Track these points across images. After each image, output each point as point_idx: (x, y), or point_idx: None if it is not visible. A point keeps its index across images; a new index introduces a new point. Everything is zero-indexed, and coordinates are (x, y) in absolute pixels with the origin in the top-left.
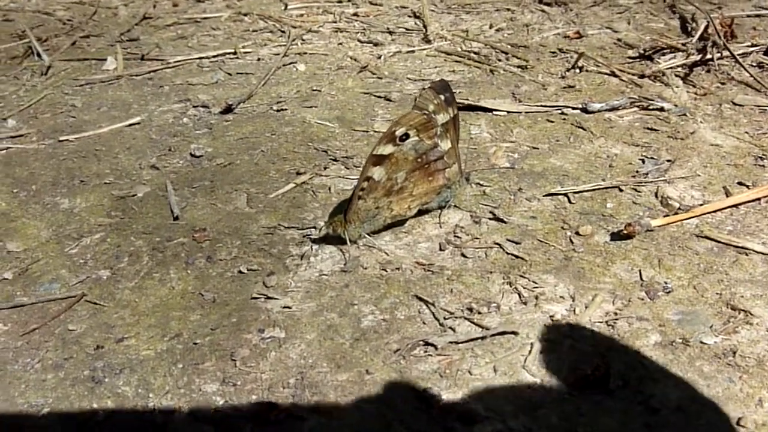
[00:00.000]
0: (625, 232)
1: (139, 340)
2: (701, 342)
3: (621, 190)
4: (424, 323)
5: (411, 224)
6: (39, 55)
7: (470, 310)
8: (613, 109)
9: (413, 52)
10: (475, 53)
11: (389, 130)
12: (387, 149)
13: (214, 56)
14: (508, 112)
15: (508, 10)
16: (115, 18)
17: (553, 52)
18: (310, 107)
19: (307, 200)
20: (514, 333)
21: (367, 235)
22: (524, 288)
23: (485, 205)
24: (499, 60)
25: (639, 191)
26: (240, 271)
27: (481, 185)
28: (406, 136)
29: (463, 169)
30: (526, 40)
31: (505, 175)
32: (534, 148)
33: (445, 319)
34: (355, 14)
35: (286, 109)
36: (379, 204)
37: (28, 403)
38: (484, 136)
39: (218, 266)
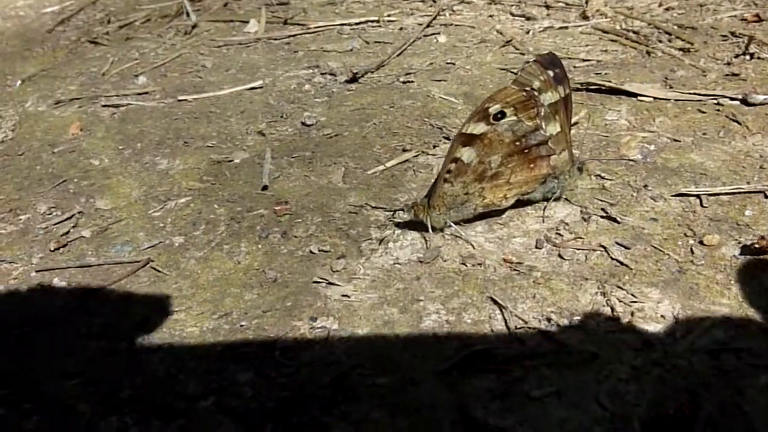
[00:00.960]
0: (757, 246)
1: (188, 315)
2: None
3: (766, 196)
4: (492, 330)
5: (510, 215)
6: (188, 14)
7: (549, 320)
8: None
9: (566, 28)
10: (634, 32)
11: (481, 106)
12: (478, 128)
13: (356, 23)
14: (654, 98)
15: None
16: None
17: (724, 36)
18: (439, 81)
19: (406, 179)
20: (594, 354)
21: (453, 224)
22: (620, 301)
23: (601, 200)
24: (660, 41)
25: None
26: (311, 251)
27: (602, 177)
28: (502, 114)
29: (576, 157)
30: (697, 21)
31: (633, 169)
32: (675, 140)
33: (517, 328)
34: None
35: (412, 81)
36: (469, 190)
37: (61, 371)
38: (620, 123)
39: (291, 243)
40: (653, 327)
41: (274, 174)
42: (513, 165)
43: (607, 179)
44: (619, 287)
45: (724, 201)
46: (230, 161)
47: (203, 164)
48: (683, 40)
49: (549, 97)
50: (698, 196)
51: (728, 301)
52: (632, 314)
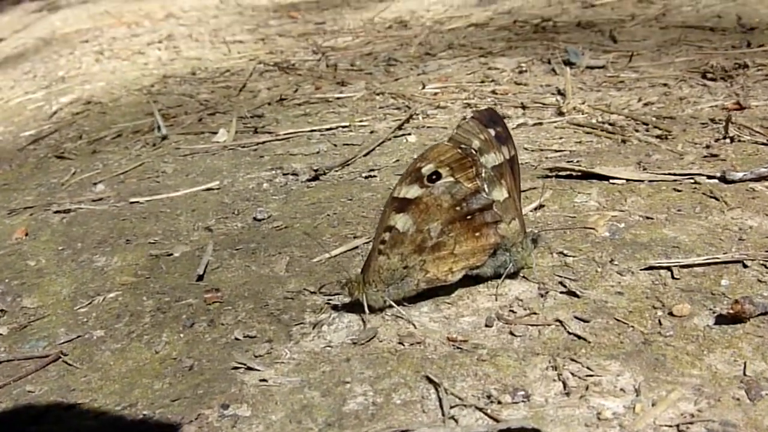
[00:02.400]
0: (732, 311)
1: (90, 407)
2: None
3: (745, 266)
4: (423, 411)
5: (459, 294)
6: (159, 128)
7: (489, 397)
8: (760, 178)
9: (541, 124)
10: (610, 124)
11: (413, 166)
12: (412, 191)
13: (327, 129)
14: (627, 180)
15: (665, 85)
16: (253, 99)
17: (704, 123)
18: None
19: (353, 265)
20: (536, 431)
21: (394, 303)
22: (573, 375)
23: (561, 276)
24: (636, 131)
25: None
26: (236, 338)
27: (564, 254)
28: (437, 175)
29: (530, 229)
30: (676, 112)
31: (600, 245)
32: (647, 217)
33: (451, 407)
34: (493, 91)
35: (375, 176)
36: (408, 263)
37: None
38: (589, 204)
39: (217, 331)
40: (611, 402)
41: (213, 265)
42: (456, 234)
43: (569, 256)
44: (573, 360)
45: (698, 272)
46: (169, 255)
47: (142, 260)
48: (661, 129)
49: (492, 159)
50: (669, 269)
51: (699, 372)
52: (587, 388)
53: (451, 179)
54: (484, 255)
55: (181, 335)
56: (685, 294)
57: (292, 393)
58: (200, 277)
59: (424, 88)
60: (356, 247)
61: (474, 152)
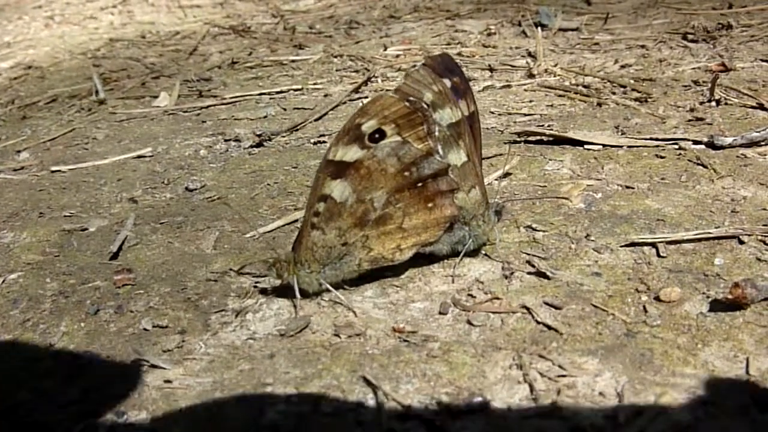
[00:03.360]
0: (730, 296)
1: None
2: None
3: (741, 242)
4: (357, 423)
5: (410, 275)
6: (97, 92)
7: (439, 404)
8: (751, 144)
9: (510, 87)
10: (584, 87)
11: (351, 122)
12: (351, 153)
13: (277, 92)
14: (604, 145)
15: (643, 47)
16: (202, 63)
17: (686, 86)
18: None
19: (290, 241)
20: None
21: (330, 287)
22: (542, 376)
23: (529, 254)
24: (613, 93)
25: None
26: (144, 328)
27: (533, 229)
28: (380, 133)
29: (491, 200)
30: (655, 74)
31: (573, 218)
32: (627, 187)
33: (390, 418)
34: (459, 54)
35: (325, 142)
36: (348, 239)
37: None
38: (562, 172)
39: (123, 319)
40: (588, 409)
41: (131, 242)
42: (405, 204)
43: (539, 230)
44: (542, 357)
45: (687, 249)
46: (84, 230)
47: (53, 236)
48: (640, 92)
49: (447, 116)
50: (654, 245)
51: (694, 371)
52: (558, 392)
53: (398, 138)
54: (439, 230)
55: (83, 324)
56: (674, 275)
57: (200, 398)
58: (114, 255)
59: (385, 50)
60: (296, 221)
61: (426, 107)
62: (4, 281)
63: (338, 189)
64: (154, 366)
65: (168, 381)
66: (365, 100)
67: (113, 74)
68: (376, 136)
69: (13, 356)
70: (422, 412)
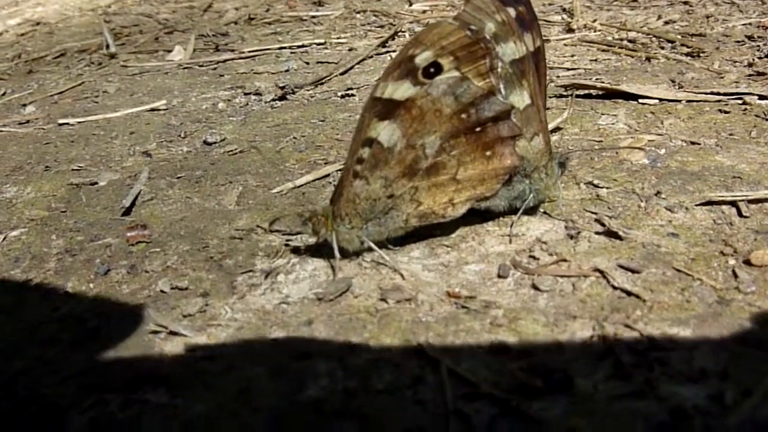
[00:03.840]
0: None
1: None
2: None
3: None
4: (416, 402)
5: (462, 234)
6: (108, 46)
7: (512, 381)
8: None
9: (548, 41)
10: (629, 41)
11: (404, 53)
12: (401, 90)
13: (298, 46)
14: (660, 99)
15: (686, 3)
16: (218, 20)
17: (740, 41)
18: None
19: (322, 197)
20: None
21: (373, 245)
22: (630, 349)
23: (594, 212)
24: (662, 48)
25: None
26: (161, 290)
27: (595, 186)
28: (437, 67)
29: (554, 149)
30: (704, 30)
31: (638, 174)
32: (693, 143)
33: (455, 397)
34: None
35: (353, 95)
36: (395, 190)
37: None
38: (618, 127)
39: (138, 280)
40: (687, 389)
41: (145, 197)
42: (460, 152)
43: (602, 187)
44: (627, 327)
45: None
46: (93, 184)
47: (60, 190)
48: (690, 47)
49: (511, 51)
50: (734, 204)
51: None
52: (650, 368)
53: (456, 74)
54: (497, 182)
55: (92, 285)
56: (762, 236)
57: (228, 370)
58: (127, 211)
59: (411, 5)
60: (327, 175)
61: (487, 38)
62: (5, 238)
63: (386, 132)
64: (173, 333)
65: (190, 350)
66: (393, 55)
67: (125, 29)
68: (432, 70)
69: (14, 320)
70: (493, 390)
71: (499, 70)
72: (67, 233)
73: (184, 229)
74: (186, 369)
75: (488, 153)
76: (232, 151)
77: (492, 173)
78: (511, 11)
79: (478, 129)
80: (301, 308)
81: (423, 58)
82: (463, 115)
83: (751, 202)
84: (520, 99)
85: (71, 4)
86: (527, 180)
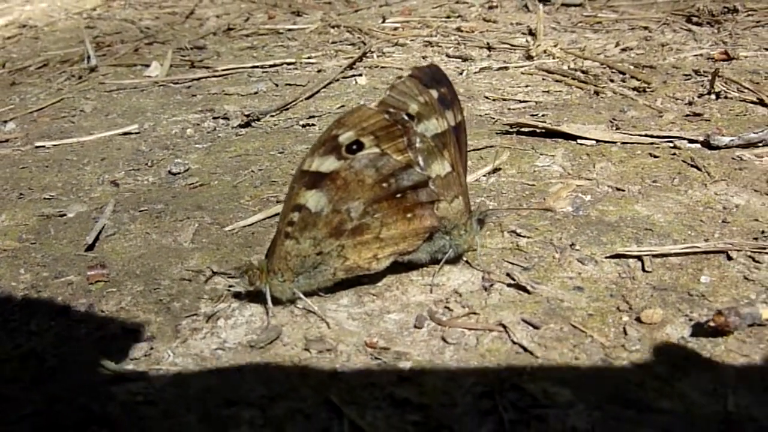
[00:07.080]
0: (713, 324)
1: None
2: None
3: (730, 258)
4: None
5: (387, 283)
6: (89, 58)
7: None
8: (748, 145)
9: (506, 69)
10: (582, 72)
11: (327, 133)
12: (327, 163)
13: (270, 66)
14: (597, 141)
15: (646, 28)
16: (198, 28)
17: (687, 75)
18: None
19: (268, 238)
20: None
21: (303, 296)
22: (514, 406)
23: (512, 263)
24: (611, 80)
25: (759, 262)
26: (113, 333)
27: (517, 234)
28: (358, 145)
29: (476, 207)
30: (656, 61)
31: (560, 224)
32: (618, 189)
33: None
34: (458, 29)
35: (314, 125)
36: (323, 248)
37: None
38: (552, 170)
39: (94, 321)
40: None
41: (109, 231)
42: (383, 215)
43: (523, 236)
44: (514, 387)
45: (673, 264)
46: (62, 215)
47: (32, 220)
48: (639, 80)
49: (433, 126)
50: (639, 258)
51: (670, 404)
52: (527, 425)
53: (376, 150)
54: (418, 240)
55: (53, 324)
56: (657, 293)
57: (165, 416)
58: (90, 247)
59: (383, 21)
60: (276, 215)
61: (405, 118)
62: None
63: (313, 199)
64: (121, 376)
65: (133, 394)
66: (359, 78)
67: (107, 37)
68: (354, 147)
69: None
70: None
71: (419, 144)
72: (35, 267)
73: (140, 267)
74: (129, 413)
75: (409, 215)
76: (193, 184)
77: (413, 232)
78: (434, 92)
79: (398, 195)
80: (234, 355)
81: (346, 137)
82: (384, 184)
83: (656, 256)
84: (441, 167)
85: (58, 4)
86: (447, 236)
